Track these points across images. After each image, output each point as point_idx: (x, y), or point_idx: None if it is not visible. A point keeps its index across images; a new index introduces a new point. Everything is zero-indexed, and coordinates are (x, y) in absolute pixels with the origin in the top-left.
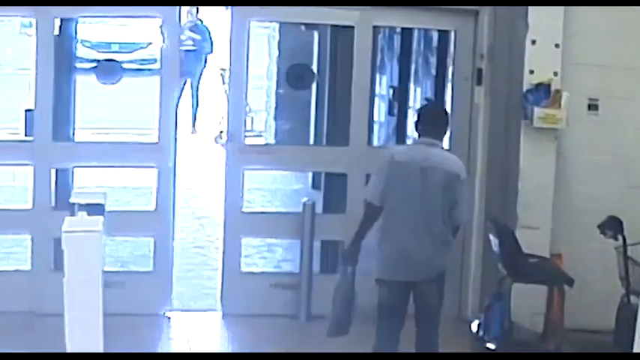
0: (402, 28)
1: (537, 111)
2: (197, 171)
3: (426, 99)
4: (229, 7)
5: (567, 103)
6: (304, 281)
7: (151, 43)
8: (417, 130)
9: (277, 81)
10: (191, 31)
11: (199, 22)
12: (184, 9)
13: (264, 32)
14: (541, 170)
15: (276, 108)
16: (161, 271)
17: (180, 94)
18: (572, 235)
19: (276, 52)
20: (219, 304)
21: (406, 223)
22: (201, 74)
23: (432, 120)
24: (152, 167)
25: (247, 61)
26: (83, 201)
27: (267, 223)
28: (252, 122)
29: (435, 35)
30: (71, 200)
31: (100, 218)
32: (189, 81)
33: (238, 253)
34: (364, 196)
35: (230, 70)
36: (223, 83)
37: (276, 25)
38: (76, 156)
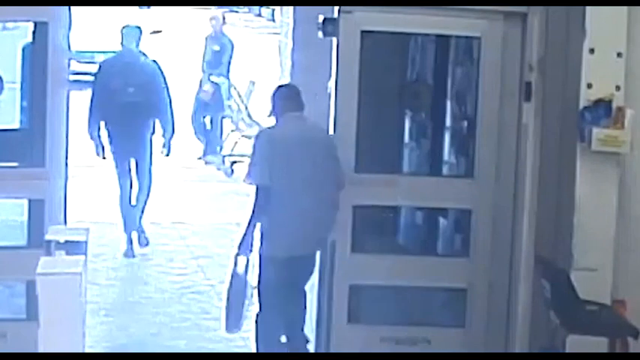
0: (437, 35)
1: (596, 132)
2: (195, 202)
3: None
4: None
5: (632, 122)
6: (322, 334)
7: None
8: (277, 109)
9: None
10: (127, 65)
11: (141, 55)
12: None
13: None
14: (601, 202)
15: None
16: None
17: (129, 178)
18: (637, 278)
19: (289, 64)
20: None
21: (298, 197)
22: (150, 140)
23: (291, 96)
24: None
25: (359, 78)
26: (61, 238)
27: (381, 266)
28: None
29: (476, 43)
30: (47, 237)
31: (81, 258)
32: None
33: (346, 300)
34: (251, 181)
35: (336, 87)
36: (228, 99)
37: (289, 31)
38: None
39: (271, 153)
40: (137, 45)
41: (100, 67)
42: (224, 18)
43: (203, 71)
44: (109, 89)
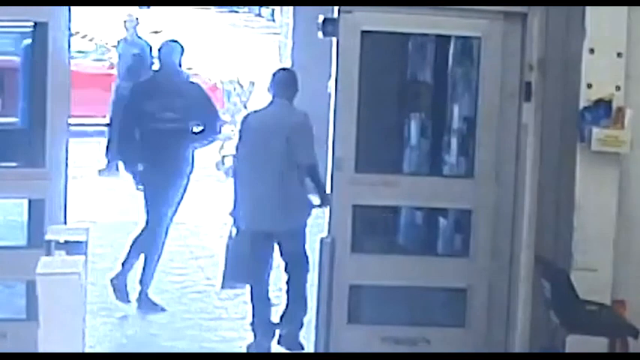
0: (437, 35)
1: (596, 132)
2: (195, 203)
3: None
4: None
5: (632, 122)
6: (322, 334)
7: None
8: (271, 92)
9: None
10: (166, 86)
11: (183, 74)
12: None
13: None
14: (601, 202)
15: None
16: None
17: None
18: (637, 278)
19: (289, 64)
20: None
21: (261, 178)
22: (183, 194)
23: (283, 82)
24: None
25: (359, 78)
26: (61, 238)
27: (381, 266)
28: None
29: (476, 43)
30: (47, 237)
31: (81, 258)
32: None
33: (346, 300)
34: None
35: (336, 87)
36: (229, 100)
37: (289, 31)
38: None
39: (245, 135)
40: (179, 64)
41: (132, 89)
42: (137, 19)
43: (121, 77)
44: (142, 113)
